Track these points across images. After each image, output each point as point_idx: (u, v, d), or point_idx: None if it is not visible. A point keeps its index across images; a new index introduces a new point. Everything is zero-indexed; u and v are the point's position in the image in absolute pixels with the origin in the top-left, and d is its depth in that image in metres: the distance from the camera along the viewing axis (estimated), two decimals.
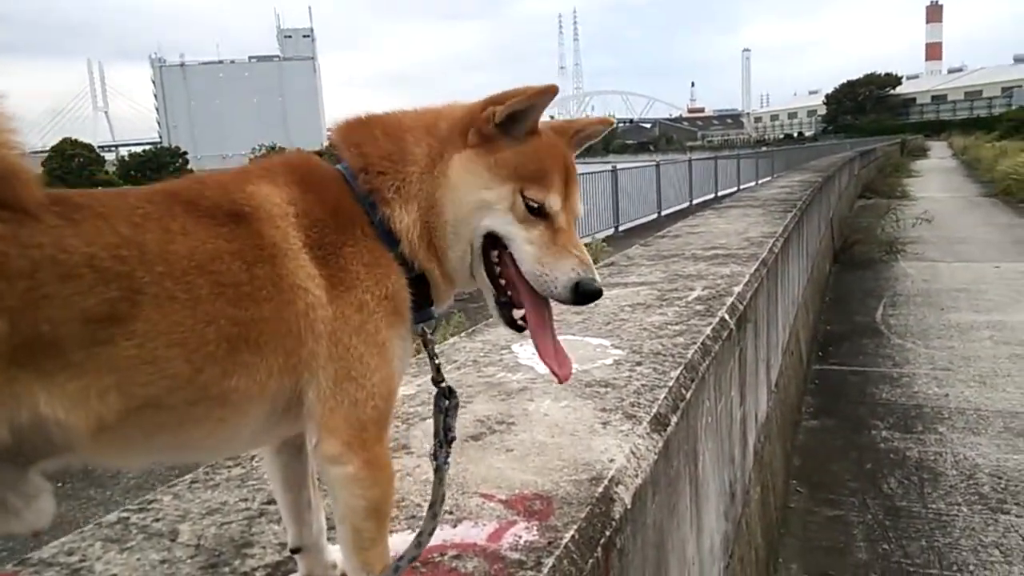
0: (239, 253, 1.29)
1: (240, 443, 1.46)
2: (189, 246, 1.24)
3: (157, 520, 2.00)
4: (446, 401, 1.62)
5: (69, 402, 1.11)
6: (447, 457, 1.61)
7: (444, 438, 1.61)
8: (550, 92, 1.49)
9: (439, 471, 1.60)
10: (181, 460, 2.09)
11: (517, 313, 1.58)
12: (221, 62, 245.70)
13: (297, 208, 1.40)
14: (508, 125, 1.51)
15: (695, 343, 3.39)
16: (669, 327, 3.70)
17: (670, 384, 2.86)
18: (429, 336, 1.57)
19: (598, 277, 1.52)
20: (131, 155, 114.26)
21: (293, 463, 1.62)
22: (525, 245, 1.50)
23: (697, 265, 5.50)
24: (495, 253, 1.55)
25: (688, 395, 2.89)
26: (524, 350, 3.43)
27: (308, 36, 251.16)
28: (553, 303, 1.59)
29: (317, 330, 1.35)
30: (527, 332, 1.57)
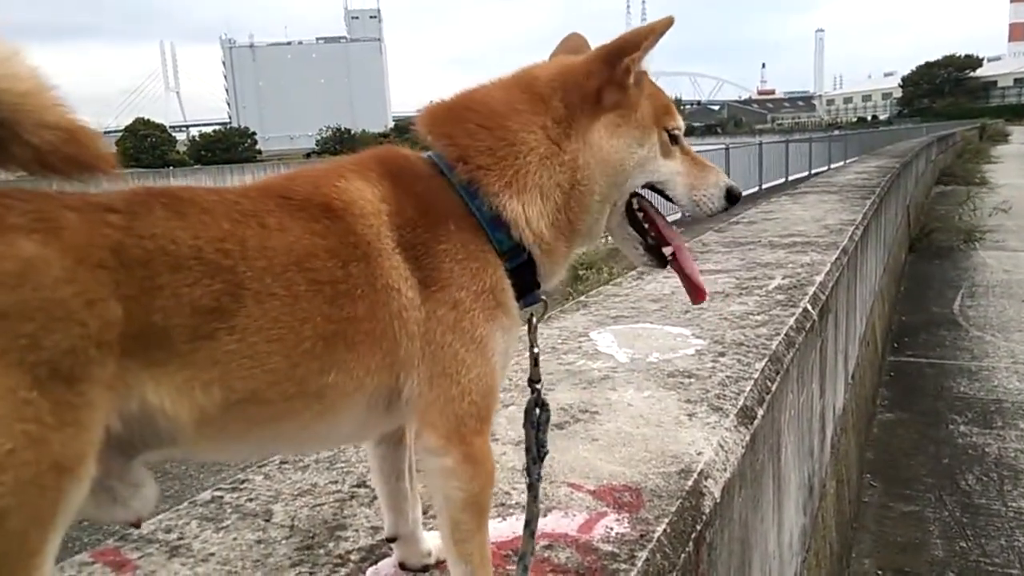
0: (334, 251, 1.28)
1: (339, 437, 1.47)
2: (286, 242, 1.24)
3: (250, 500, 2.04)
4: (538, 412, 1.58)
5: (175, 393, 1.13)
6: (540, 473, 1.58)
7: (537, 454, 1.57)
8: (670, 23, 1.49)
9: (532, 488, 1.57)
10: (281, 453, 2.11)
11: (668, 249, 1.60)
12: (289, 43, 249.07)
13: (390, 206, 1.37)
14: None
15: (779, 334, 3.32)
16: (751, 317, 3.63)
17: (755, 376, 2.81)
18: (535, 323, 1.55)
19: None
20: (201, 135, 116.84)
21: (392, 454, 1.63)
22: (677, 179, 1.56)
23: (775, 253, 5.39)
24: (635, 202, 1.57)
25: (773, 388, 2.83)
26: (602, 337, 3.40)
27: (375, 17, 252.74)
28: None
29: (411, 331, 1.34)
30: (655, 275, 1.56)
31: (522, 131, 1.47)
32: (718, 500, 2.06)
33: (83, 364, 1.02)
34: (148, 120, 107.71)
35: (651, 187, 1.56)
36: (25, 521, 0.98)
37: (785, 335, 3.33)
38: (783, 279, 4.47)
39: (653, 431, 2.35)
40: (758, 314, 3.68)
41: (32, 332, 0.99)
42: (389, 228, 1.35)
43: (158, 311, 1.10)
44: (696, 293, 1.64)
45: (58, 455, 0.99)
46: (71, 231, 1.06)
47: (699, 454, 2.19)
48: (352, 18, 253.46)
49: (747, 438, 2.41)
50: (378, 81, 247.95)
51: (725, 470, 2.19)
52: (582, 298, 4.35)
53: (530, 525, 1.56)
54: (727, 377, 2.81)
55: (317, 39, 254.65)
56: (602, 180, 1.51)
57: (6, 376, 0.96)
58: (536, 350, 1.57)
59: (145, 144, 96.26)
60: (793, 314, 3.66)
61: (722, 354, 3.08)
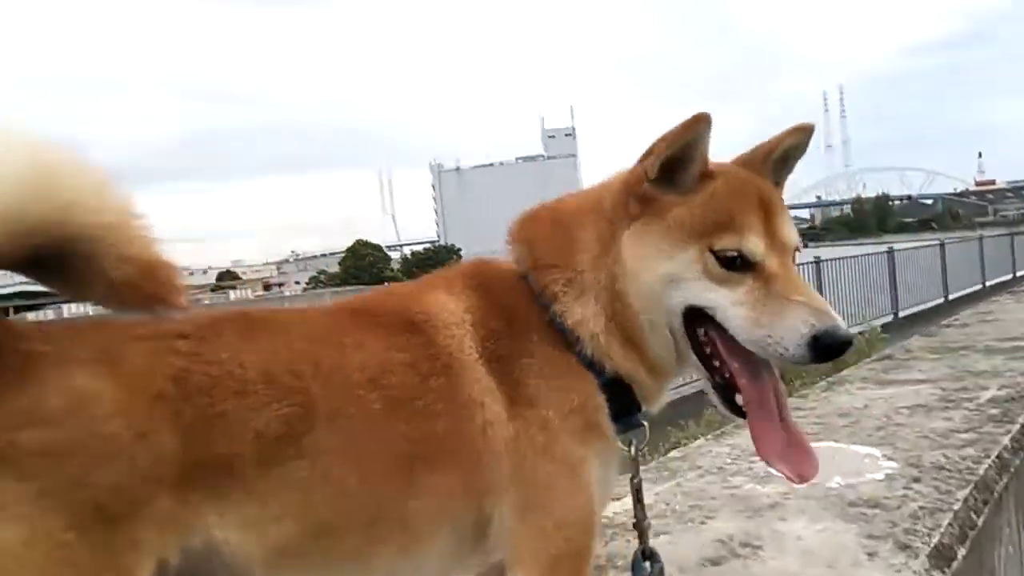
0: (413, 365, 1.22)
1: (437, 568, 1.36)
2: (361, 359, 1.19)
3: None
4: (648, 567, 1.41)
5: (243, 526, 1.07)
6: None
7: None
8: (701, 122, 1.29)
9: None
10: None
11: (741, 398, 1.35)
12: (491, 164, 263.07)
13: (474, 316, 1.31)
14: (671, 177, 1.33)
15: (988, 455, 2.86)
16: (955, 435, 3.18)
17: (955, 507, 2.41)
18: (635, 452, 1.38)
19: (841, 322, 1.25)
20: (413, 253, 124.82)
21: None
22: (734, 309, 1.28)
23: (991, 359, 4.78)
24: (702, 331, 1.34)
25: (980, 521, 2.42)
26: None
27: (570, 135, 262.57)
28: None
29: (497, 449, 1.24)
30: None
31: (581, 230, 1.40)
32: None
33: (130, 502, 0.98)
34: (367, 241, 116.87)
35: (698, 312, 1.34)
36: None
37: (997, 456, 2.87)
38: (999, 390, 3.92)
39: (823, 573, 2.05)
40: (965, 431, 3.22)
41: (77, 470, 0.96)
42: (472, 338, 1.29)
43: (221, 439, 1.07)
44: (782, 472, 1.33)
45: None
46: (132, 362, 1.04)
47: None
48: (549, 137, 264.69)
49: None
50: None
51: None
52: None
53: None
54: (920, 508, 2.43)
55: (516, 159, 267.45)
56: (633, 293, 1.35)
57: (43, 519, 0.93)
58: (639, 480, 1.40)
59: (364, 263, 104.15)
60: (1009, 431, 3.16)
61: (917, 479, 2.69)
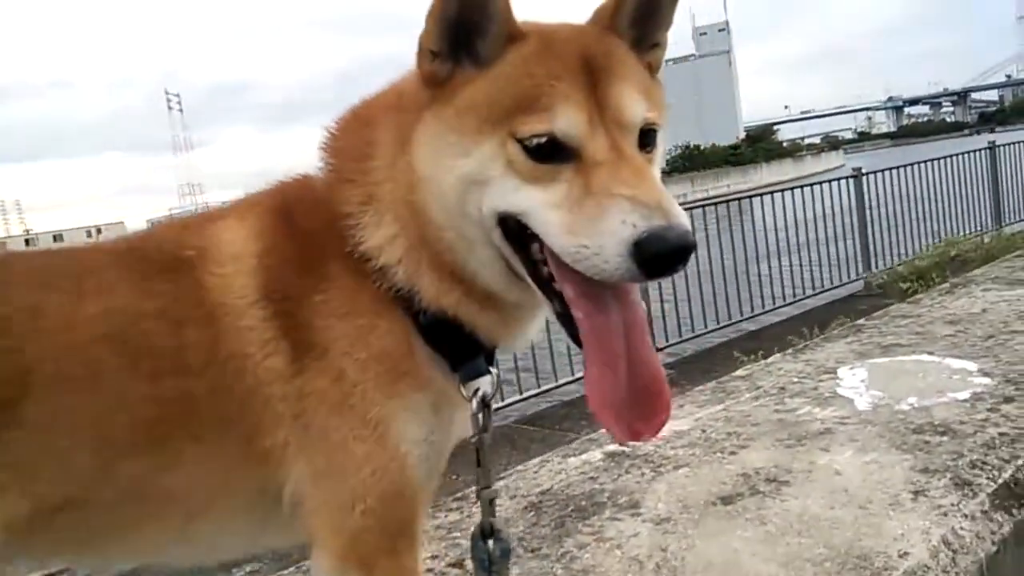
0: (166, 313, 1.02)
1: (234, 545, 1.19)
2: (100, 309, 1.00)
3: None
4: (488, 546, 1.15)
5: None
6: None
7: None
8: None
9: None
10: (167, 562, 1.85)
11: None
12: None
13: (260, 248, 1.07)
14: (469, 48, 1.01)
15: None
16: None
17: None
18: (479, 406, 1.11)
19: (681, 219, 0.90)
20: None
21: None
22: (547, 213, 0.96)
23: None
24: (536, 247, 1.02)
25: None
26: (852, 375, 2.72)
27: (723, 30, 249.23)
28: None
29: (277, 411, 1.03)
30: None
31: (381, 131, 1.10)
32: None
33: None
34: None
35: (519, 221, 1.00)
36: None
37: None
38: None
39: (850, 515, 1.74)
40: None
41: None
42: (250, 277, 1.06)
43: None
44: (608, 429, 1.02)
45: None
46: None
47: (903, 555, 1.55)
48: (700, 34, 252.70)
49: (1006, 529, 1.69)
50: (727, 93, 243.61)
51: None
52: (861, 321, 3.60)
53: None
54: (1000, 435, 2.04)
55: (666, 61, 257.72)
56: (432, 205, 1.04)
57: None
58: (480, 440, 1.14)
59: None
60: None
61: (1009, 399, 2.28)
